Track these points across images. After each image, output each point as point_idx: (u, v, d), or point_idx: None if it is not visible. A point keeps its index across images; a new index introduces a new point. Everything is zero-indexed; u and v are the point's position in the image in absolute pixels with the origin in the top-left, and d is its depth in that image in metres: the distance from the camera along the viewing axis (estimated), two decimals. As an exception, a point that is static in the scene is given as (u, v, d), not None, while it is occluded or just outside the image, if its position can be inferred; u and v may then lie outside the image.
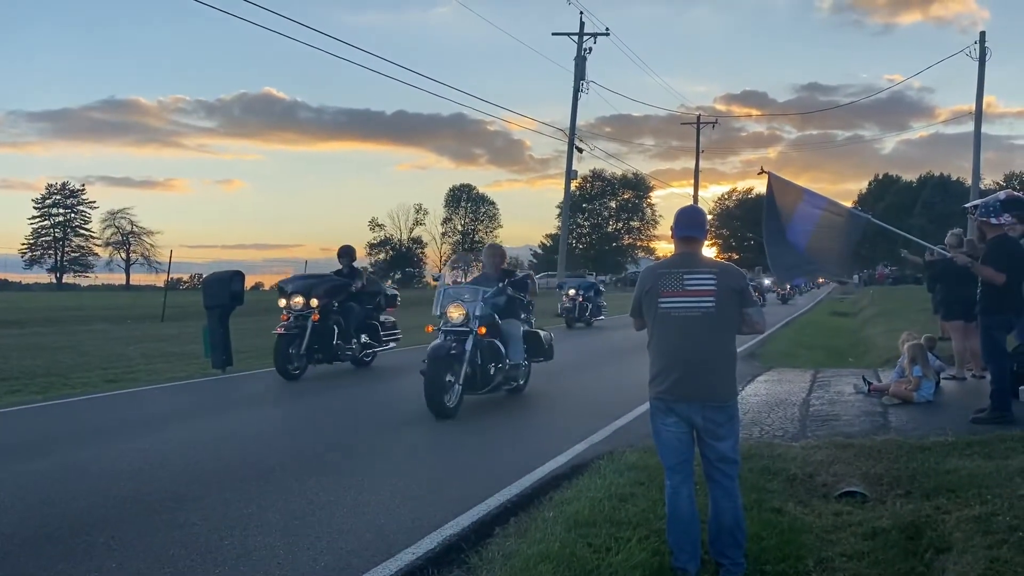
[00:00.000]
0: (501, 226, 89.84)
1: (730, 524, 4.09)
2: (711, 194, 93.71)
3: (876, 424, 7.60)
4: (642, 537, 4.49)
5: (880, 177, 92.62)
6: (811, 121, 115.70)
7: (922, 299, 16.46)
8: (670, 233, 4.33)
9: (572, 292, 22.77)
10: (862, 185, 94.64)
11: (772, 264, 6.10)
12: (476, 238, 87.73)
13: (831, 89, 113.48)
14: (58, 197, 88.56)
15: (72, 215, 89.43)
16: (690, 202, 54.09)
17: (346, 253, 12.83)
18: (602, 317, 23.79)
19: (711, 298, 4.03)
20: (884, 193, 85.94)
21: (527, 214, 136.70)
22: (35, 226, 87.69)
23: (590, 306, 22.91)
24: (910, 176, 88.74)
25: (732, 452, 4.14)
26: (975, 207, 7.75)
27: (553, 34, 37.18)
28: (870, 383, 9.25)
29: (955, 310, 9.58)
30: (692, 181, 54.46)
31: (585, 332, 21.20)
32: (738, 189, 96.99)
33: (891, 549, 4.50)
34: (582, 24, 35.71)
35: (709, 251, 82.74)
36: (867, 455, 6.26)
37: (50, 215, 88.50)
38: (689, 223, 4.21)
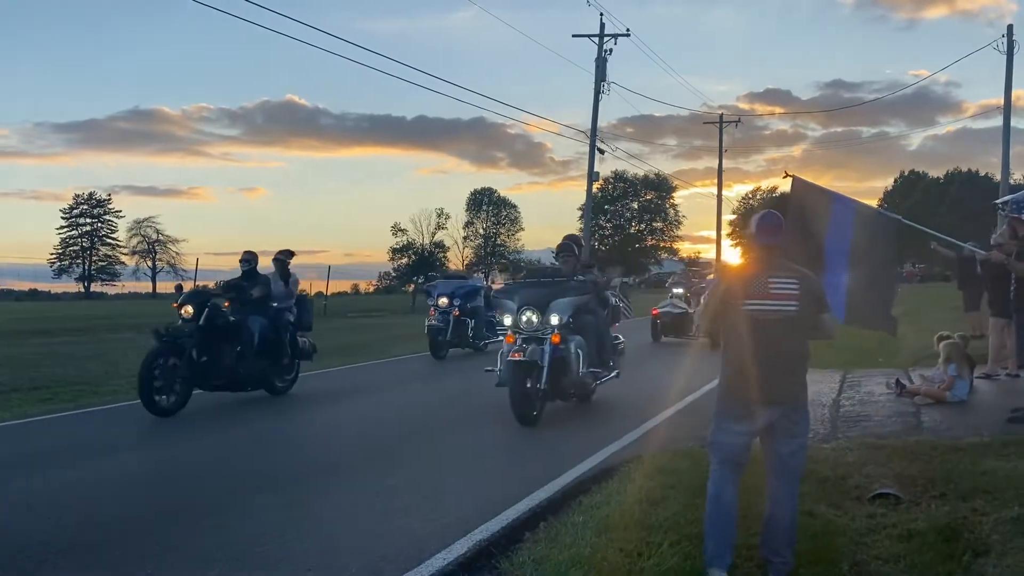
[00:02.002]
0: (523, 229, 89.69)
1: (787, 522, 4.13)
2: (735, 193, 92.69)
3: (909, 425, 7.50)
4: (673, 542, 4.46)
5: (906, 174, 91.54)
6: (836, 118, 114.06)
7: (952, 297, 16.22)
8: (750, 237, 4.29)
9: (444, 301, 15.43)
10: (888, 182, 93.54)
11: None
12: (498, 241, 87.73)
13: (855, 86, 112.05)
14: (85, 207, 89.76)
15: (99, 224, 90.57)
16: (714, 203, 53.81)
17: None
18: (500, 339, 16.46)
19: (795, 302, 4.09)
20: (911, 190, 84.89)
21: (549, 217, 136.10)
22: (63, 236, 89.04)
23: (472, 322, 15.67)
24: (937, 172, 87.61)
25: (803, 449, 4.22)
26: (1006, 203, 7.64)
27: (573, 36, 36.66)
28: (903, 385, 9.11)
29: (998, 307, 9.42)
30: (715, 181, 54.09)
31: (459, 363, 14.75)
32: (762, 188, 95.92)
33: (927, 552, 4.42)
34: (602, 25, 35.57)
35: (733, 251, 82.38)
36: (900, 456, 6.18)
37: (77, 225, 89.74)
38: (770, 231, 4.23)
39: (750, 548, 4.25)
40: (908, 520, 4.87)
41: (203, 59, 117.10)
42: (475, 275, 18.41)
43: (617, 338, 10.17)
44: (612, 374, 9.65)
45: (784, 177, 6.08)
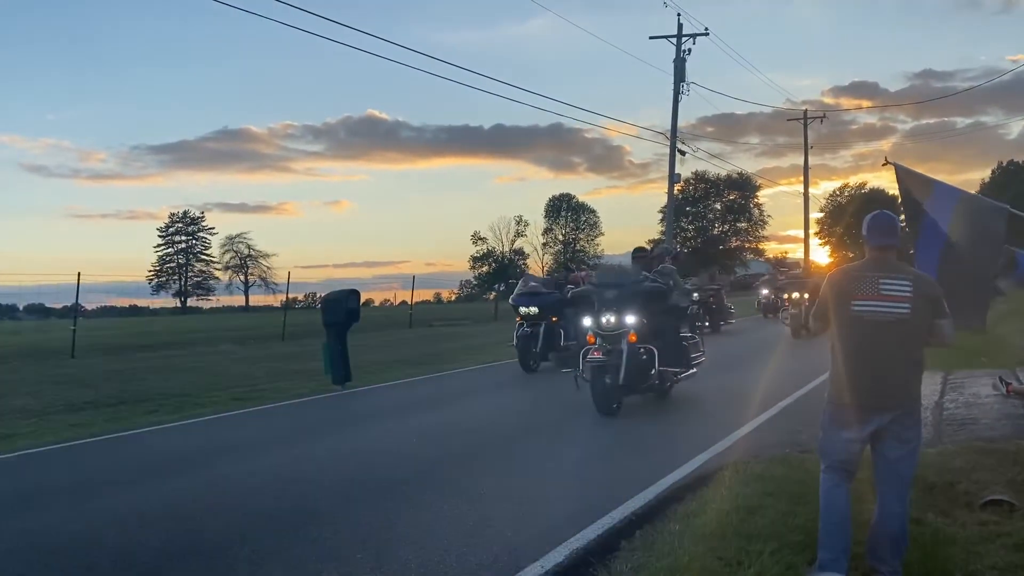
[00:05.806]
0: (603, 233, 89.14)
1: (896, 530, 4.00)
2: (822, 191, 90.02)
3: (1020, 427, 7.16)
4: (774, 550, 4.37)
5: (1005, 164, 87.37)
6: (927, 110, 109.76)
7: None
8: (863, 240, 4.22)
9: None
10: (985, 174, 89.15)
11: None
12: (577, 247, 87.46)
13: (948, 75, 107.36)
14: (180, 225, 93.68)
15: (193, 242, 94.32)
16: (800, 201, 52.47)
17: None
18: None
19: (907, 304, 3.97)
20: (1012, 181, 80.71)
21: (629, 220, 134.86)
22: (160, 253, 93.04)
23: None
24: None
25: (913, 455, 4.08)
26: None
27: (650, 38, 36.30)
28: (1008, 383, 8.72)
29: None
30: (801, 178, 52.77)
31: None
32: (850, 184, 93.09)
33: (1047, 562, 4.22)
34: (680, 26, 35.14)
35: (822, 249, 79.89)
36: (1012, 461, 5.92)
37: (173, 242, 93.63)
38: (884, 232, 4.14)
39: (855, 557, 4.13)
40: (1024, 528, 4.66)
41: (287, 78, 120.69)
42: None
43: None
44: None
45: (884, 165, 5.91)
